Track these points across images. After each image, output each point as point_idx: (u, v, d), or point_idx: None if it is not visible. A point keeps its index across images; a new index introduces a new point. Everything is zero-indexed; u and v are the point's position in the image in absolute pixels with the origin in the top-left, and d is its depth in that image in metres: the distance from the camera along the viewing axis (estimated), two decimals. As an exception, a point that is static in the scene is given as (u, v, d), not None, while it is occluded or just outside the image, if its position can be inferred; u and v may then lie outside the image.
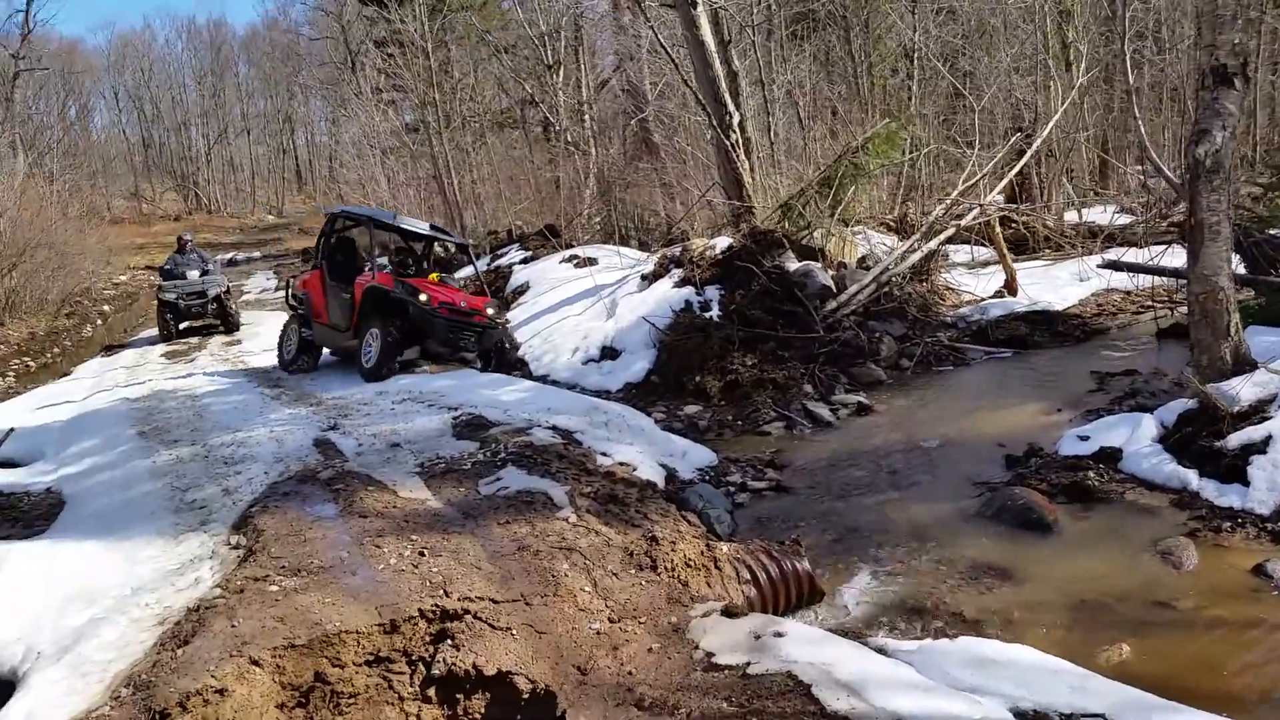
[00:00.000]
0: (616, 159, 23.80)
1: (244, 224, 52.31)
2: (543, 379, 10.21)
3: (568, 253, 16.26)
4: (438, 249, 11.77)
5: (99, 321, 21.52)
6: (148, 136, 60.54)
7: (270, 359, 12.06)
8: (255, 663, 3.50)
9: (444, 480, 5.75)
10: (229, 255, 35.37)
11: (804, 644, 3.62)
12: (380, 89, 34.94)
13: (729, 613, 4.01)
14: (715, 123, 11.91)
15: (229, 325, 16.17)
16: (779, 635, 3.69)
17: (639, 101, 21.68)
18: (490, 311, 10.32)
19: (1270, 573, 4.53)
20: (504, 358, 10.57)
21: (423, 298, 9.56)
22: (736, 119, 11.83)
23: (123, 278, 29.49)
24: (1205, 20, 6.11)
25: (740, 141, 11.89)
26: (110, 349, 15.88)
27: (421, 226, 11.13)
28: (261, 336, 14.64)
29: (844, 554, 5.39)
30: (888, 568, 5.14)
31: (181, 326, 15.91)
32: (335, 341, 10.64)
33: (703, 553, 4.60)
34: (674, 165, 18.43)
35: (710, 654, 3.70)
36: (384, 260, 11.38)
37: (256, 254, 40.72)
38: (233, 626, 3.70)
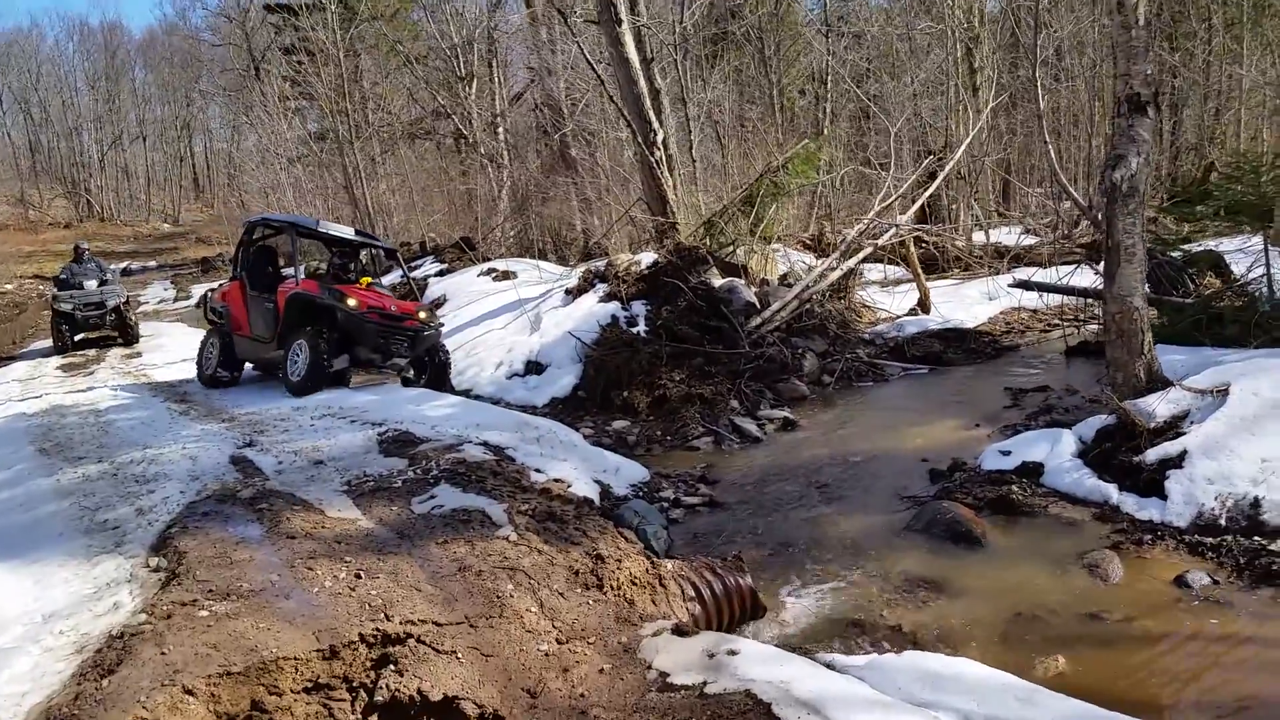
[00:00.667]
0: (533, 173, 23.68)
1: (139, 232, 50.29)
2: (465, 393, 10.04)
3: (485, 265, 16.09)
4: (363, 256, 11.09)
5: (-17, 332, 20.35)
6: (35, 140, 57.71)
7: (175, 373, 11.60)
8: (189, 692, 3.31)
9: (374, 499, 5.57)
10: (124, 264, 33.92)
11: (759, 662, 3.61)
12: (287, 96, 34.12)
13: (680, 631, 3.98)
14: (640, 139, 11.95)
15: (128, 337, 15.49)
16: (733, 654, 3.68)
17: (556, 116, 21.63)
18: (423, 315, 9.82)
19: (1191, 583, 4.73)
20: (439, 367, 9.95)
21: (351, 303, 9.15)
22: (660, 136, 11.90)
23: (9, 286, 28.02)
24: (1120, 50, 6.39)
25: (664, 158, 11.97)
26: (-1, 360, 15.04)
27: (346, 232, 10.61)
28: (163, 349, 14.08)
29: (781, 569, 5.42)
30: (825, 582, 5.18)
31: (77, 338, 15.18)
32: (259, 354, 10.15)
33: (648, 570, 4.56)
34: (593, 180, 18.44)
35: (664, 674, 3.66)
36: (308, 268, 10.99)
37: (153, 263, 39.18)
38: (162, 654, 3.50)
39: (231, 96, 48.70)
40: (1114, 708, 3.44)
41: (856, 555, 5.52)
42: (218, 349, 10.42)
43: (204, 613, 3.85)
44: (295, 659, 3.58)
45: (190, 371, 11.17)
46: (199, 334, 16.67)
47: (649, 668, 3.75)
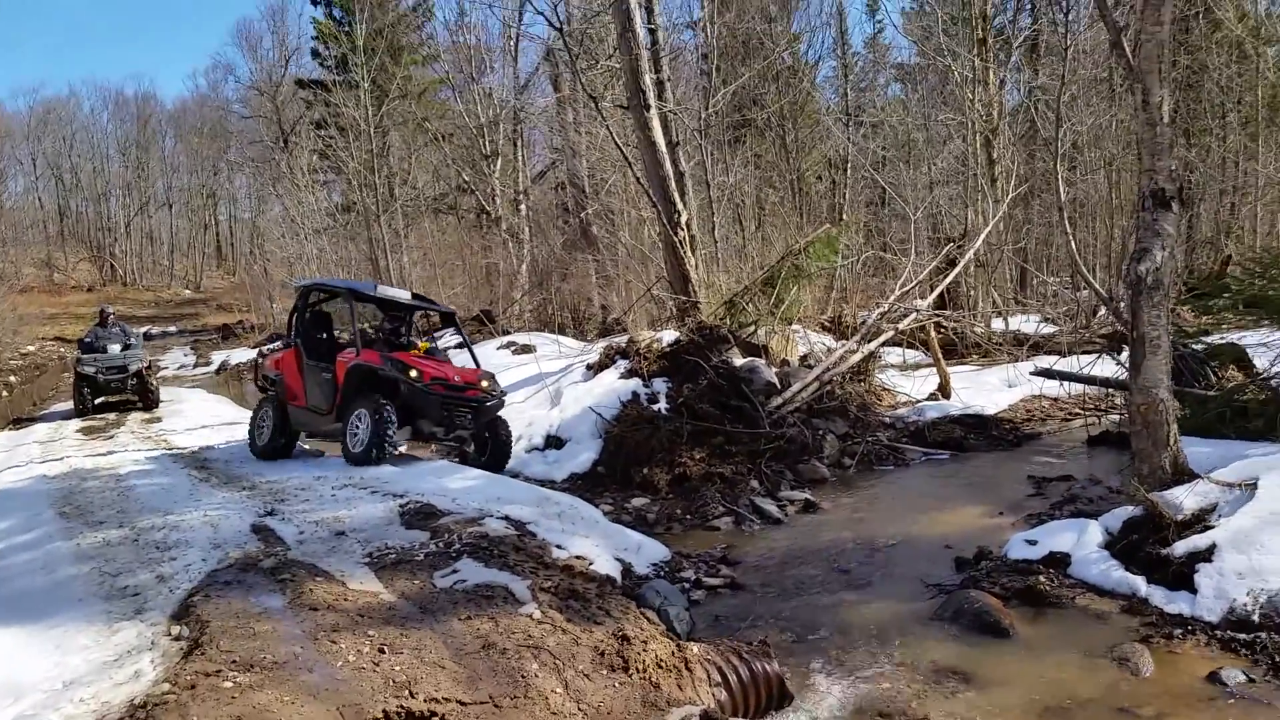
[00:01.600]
0: (554, 249, 24.05)
1: (160, 298, 51.14)
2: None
3: (505, 339, 16.24)
4: (418, 320, 11.10)
5: (4, 393, 20.52)
6: (64, 205, 59.14)
7: (195, 439, 11.65)
8: (213, 767, 3.26)
9: (396, 572, 5.55)
10: (145, 329, 34.36)
11: (789, 752, 3.53)
12: (315, 169, 34.94)
13: (708, 718, 3.91)
14: (664, 219, 12.15)
15: (148, 402, 15.60)
16: (763, 742, 3.60)
17: (579, 195, 22.05)
18: (484, 384, 9.41)
19: (1225, 680, 4.62)
20: (500, 443, 9.48)
21: (413, 374, 8.86)
22: (684, 217, 12.09)
23: (31, 348, 28.37)
24: (1145, 146, 6.50)
25: (687, 239, 12.14)
26: (19, 421, 15.16)
27: (403, 295, 10.31)
28: (183, 415, 14.16)
29: (806, 655, 5.33)
30: (851, 670, 5.09)
31: (98, 401, 15.30)
32: (315, 426, 9.88)
33: (674, 653, 4.50)
34: (613, 258, 18.70)
35: (693, 761, 3.59)
36: (366, 335, 10.61)
37: (173, 328, 39.74)
38: (186, 726, 3.46)
39: (259, 167, 49.89)
40: (1154, 810, 3.35)
41: (882, 643, 5.43)
42: (271, 419, 10.07)
43: (228, 684, 3.82)
44: (319, 734, 3.54)
45: (211, 438, 11.23)
46: (218, 400, 16.94)
47: (677, 754, 3.67)
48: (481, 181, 28.00)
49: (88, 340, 15.65)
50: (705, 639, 5.13)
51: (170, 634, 4.59)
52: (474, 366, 10.03)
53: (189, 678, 3.88)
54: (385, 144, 30.07)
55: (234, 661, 4.07)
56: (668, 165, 12.14)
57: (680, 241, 12.06)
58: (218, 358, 28.51)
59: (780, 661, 4.99)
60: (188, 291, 55.13)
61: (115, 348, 15.40)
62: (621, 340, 11.64)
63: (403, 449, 9.19)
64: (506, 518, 6.79)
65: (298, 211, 32.53)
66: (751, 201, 21.45)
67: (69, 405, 15.74)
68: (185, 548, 6.08)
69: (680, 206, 12.18)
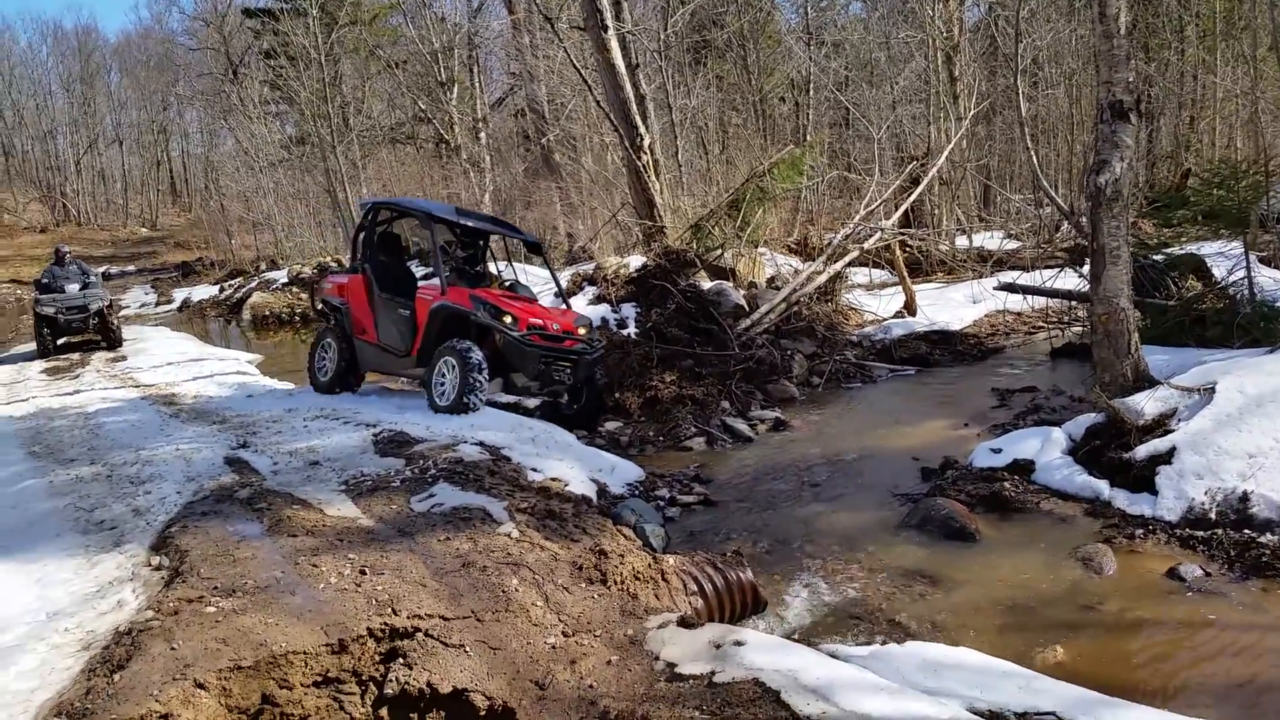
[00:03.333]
0: (516, 177, 23.74)
1: (116, 237, 49.97)
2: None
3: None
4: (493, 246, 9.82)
5: (-42, 337, 20.14)
6: (9, 144, 57.15)
7: (161, 376, 11.51)
8: (200, 685, 3.32)
9: (373, 497, 5.59)
10: (103, 269, 33.65)
11: (765, 652, 3.65)
12: (267, 100, 34.03)
13: (685, 623, 4.02)
14: (626, 144, 12.02)
15: (111, 341, 15.34)
16: (739, 644, 3.72)
17: (539, 122, 21.71)
18: (582, 332, 8.40)
19: (1184, 576, 4.82)
20: (595, 394, 8.65)
21: (508, 319, 7.86)
22: (647, 140, 11.97)
23: (-17, 291, 27.67)
24: (1102, 59, 6.51)
25: (650, 163, 12.03)
26: (-22, 366, 14.85)
27: (486, 221, 9.35)
28: (148, 352, 13.97)
29: (778, 564, 5.47)
30: (823, 577, 5.23)
31: (60, 342, 15.03)
32: (389, 366, 9.01)
33: (650, 565, 4.60)
34: (576, 185, 18.51)
35: (672, 664, 3.70)
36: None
37: (131, 268, 38.96)
38: (172, 649, 3.50)
39: (209, 100, 48.44)
40: (1112, 694, 3.51)
41: (853, 551, 5.58)
42: (336, 353, 9.15)
43: (211, 609, 3.86)
44: (304, 653, 3.60)
45: (178, 375, 11.09)
46: (182, 337, 16.70)
47: (656, 659, 3.78)
48: (438, 110, 27.45)
49: (44, 281, 15.29)
50: (681, 552, 5.24)
51: (150, 564, 4.61)
52: (563, 307, 9.15)
53: (172, 604, 3.92)
54: (337, 73, 29.31)
55: (216, 587, 4.11)
56: (628, 88, 11.96)
57: (644, 166, 11.96)
58: (179, 295, 28.01)
59: (754, 571, 5.12)
60: (144, 230, 53.82)
61: (74, 287, 15.08)
62: (588, 267, 11.62)
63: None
64: (481, 443, 6.83)
65: (251, 145, 31.76)
66: (714, 124, 21.24)
67: (31, 347, 15.46)
68: (159, 481, 6.07)
69: (643, 130, 12.05)
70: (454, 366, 7.72)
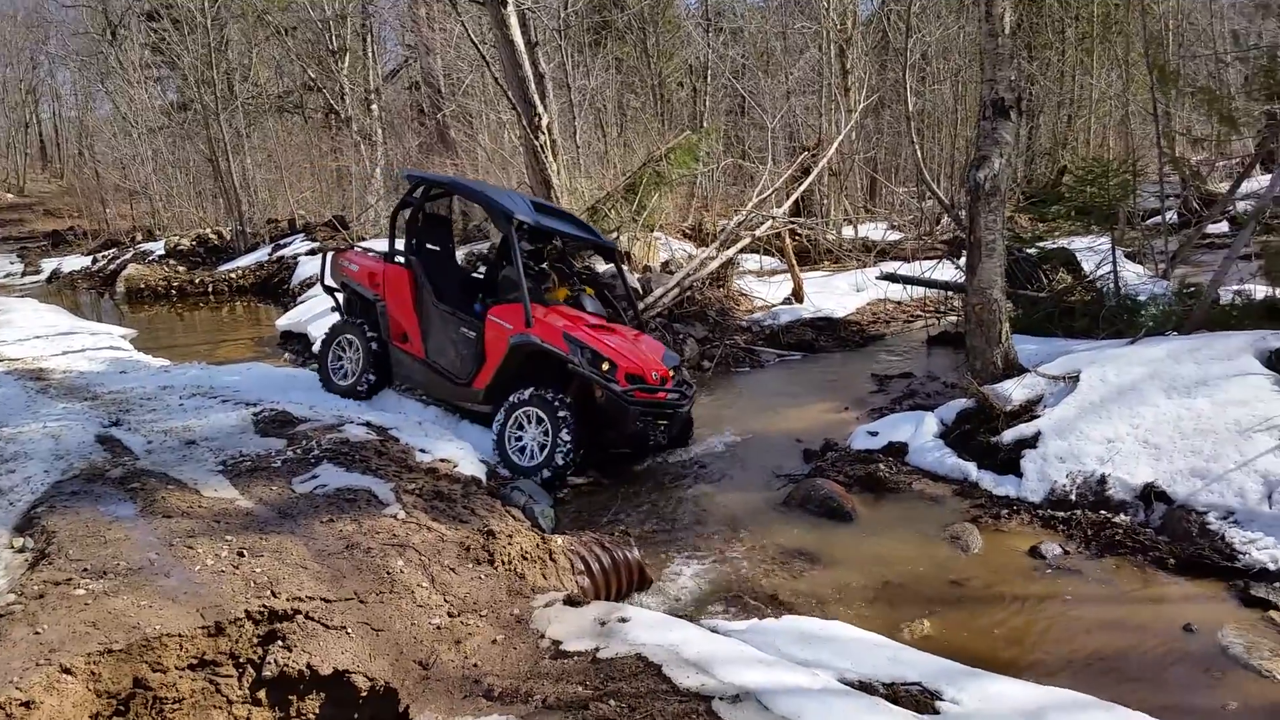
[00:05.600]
0: (410, 152, 23.25)
1: (-22, 203, 46.79)
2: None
3: (361, 246, 15.70)
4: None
5: None
6: None
7: (28, 349, 10.89)
8: (67, 670, 3.20)
9: (253, 479, 5.44)
10: (-40, 237, 31.61)
11: (648, 628, 3.74)
12: (148, 64, 32.38)
13: (571, 602, 4.08)
14: (524, 122, 11.91)
15: (-31, 313, 14.43)
16: (624, 621, 3.80)
17: (435, 96, 21.30)
18: (674, 375, 7.20)
19: (1044, 553, 5.13)
20: (685, 436, 7.59)
21: (605, 366, 6.60)
22: (545, 120, 11.89)
23: None
24: (987, 57, 6.80)
25: (548, 143, 11.96)
26: None
27: (565, 223, 7.81)
28: (14, 325, 13.16)
29: (665, 544, 5.59)
30: (707, 555, 5.37)
31: (-90, 314, 14.07)
32: (440, 392, 7.49)
33: (538, 545, 4.64)
34: (473, 162, 18.27)
35: (557, 642, 3.75)
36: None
37: (-6, 236, 36.60)
38: (36, 634, 3.36)
39: (85, 61, 45.72)
40: (975, 665, 3.74)
41: (736, 530, 5.74)
42: (363, 356, 7.75)
43: (80, 591, 3.72)
44: (179, 636, 3.50)
45: (45, 349, 10.51)
46: (51, 309, 15.80)
47: (542, 637, 3.83)
48: (329, 79, 26.61)
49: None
50: (570, 532, 5.29)
51: (13, 547, 4.39)
52: (653, 341, 7.70)
53: (37, 587, 3.75)
54: (224, 37, 28.08)
55: (85, 569, 3.95)
56: (527, 66, 11.85)
57: (541, 146, 11.88)
58: (48, 266, 26.44)
59: (641, 550, 5.22)
60: (10, 195, 50.47)
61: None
62: (483, 246, 11.49)
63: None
64: (368, 424, 6.73)
65: (129, 110, 30.16)
66: (613, 106, 21.23)
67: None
68: (25, 460, 5.76)
69: (540, 109, 11.95)
70: (540, 421, 6.56)
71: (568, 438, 6.39)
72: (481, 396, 7.07)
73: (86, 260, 26.01)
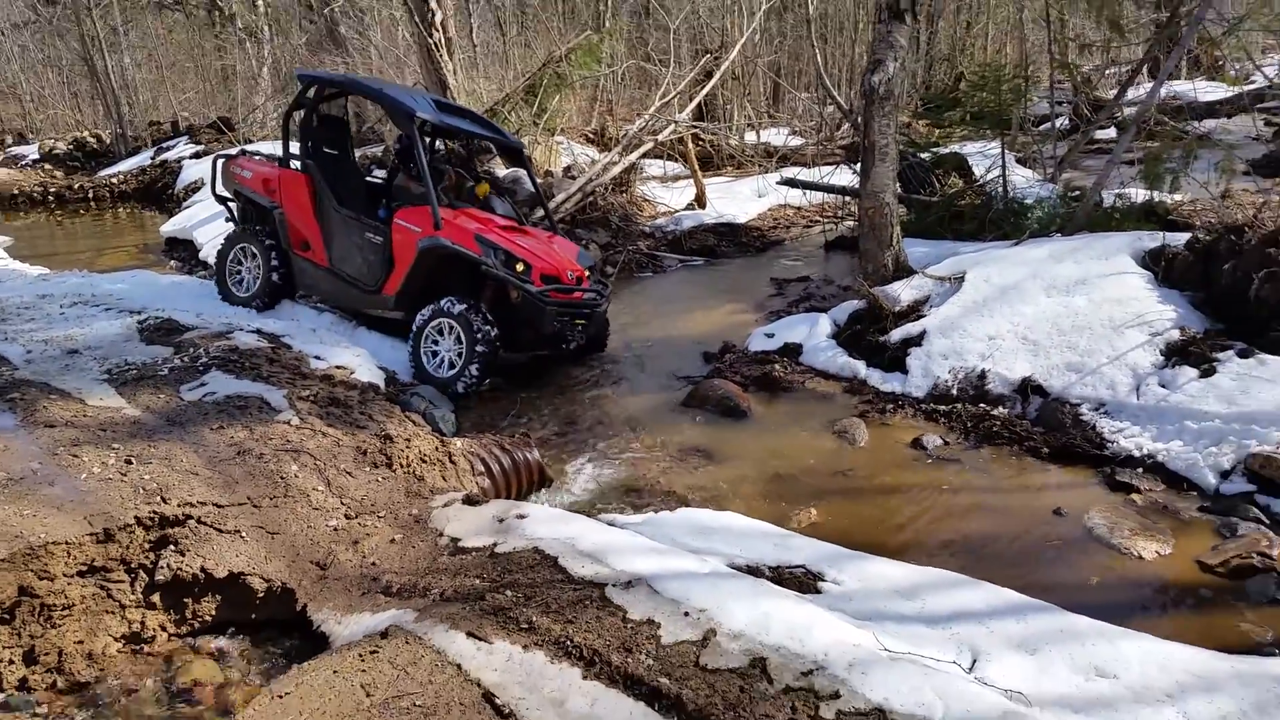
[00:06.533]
0: (298, 50, 22.11)
1: None
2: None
3: (249, 149, 15.03)
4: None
5: None
6: None
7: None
8: (-55, 583, 3.12)
9: (139, 387, 5.28)
10: None
11: (545, 523, 3.82)
12: (3, -52, 29.77)
13: (470, 501, 4.12)
14: (418, 19, 11.44)
15: None
16: (521, 517, 3.87)
17: (324, -10, 20.19)
18: (588, 275, 7.12)
19: (925, 445, 5.39)
20: (602, 338, 7.57)
21: (519, 267, 6.47)
22: (439, 17, 11.43)
23: None
24: (880, -41, 6.78)
25: (443, 41, 11.53)
26: None
27: (467, 121, 7.46)
28: None
29: (567, 445, 5.67)
30: (607, 455, 5.48)
31: None
32: (348, 300, 7.30)
33: (437, 448, 4.65)
34: (364, 61, 17.52)
35: (456, 539, 3.81)
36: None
37: None
38: (-91, 547, 3.26)
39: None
40: (858, 549, 3.93)
41: (635, 430, 5.85)
42: (263, 266, 7.48)
43: (-45, 503, 3.59)
44: (66, 543, 3.43)
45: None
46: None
47: (440, 535, 3.88)
48: (210, -29, 25.01)
49: None
50: (472, 436, 5.32)
51: (-122, 461, 4.20)
52: (566, 242, 7.60)
53: (-93, 501, 3.61)
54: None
55: (-39, 481, 3.82)
56: (419, -42, 11.34)
57: (436, 44, 11.45)
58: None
59: (543, 451, 5.30)
60: None
61: None
62: (377, 149, 11.12)
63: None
64: (259, 331, 6.56)
65: (-14, 0, 27.85)
66: (512, 3, 20.51)
67: None
68: (-114, 374, 5.47)
69: (435, 5, 11.47)
70: (452, 331, 6.48)
71: (483, 349, 6.32)
72: (393, 303, 6.92)
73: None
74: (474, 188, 7.58)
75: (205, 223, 11.52)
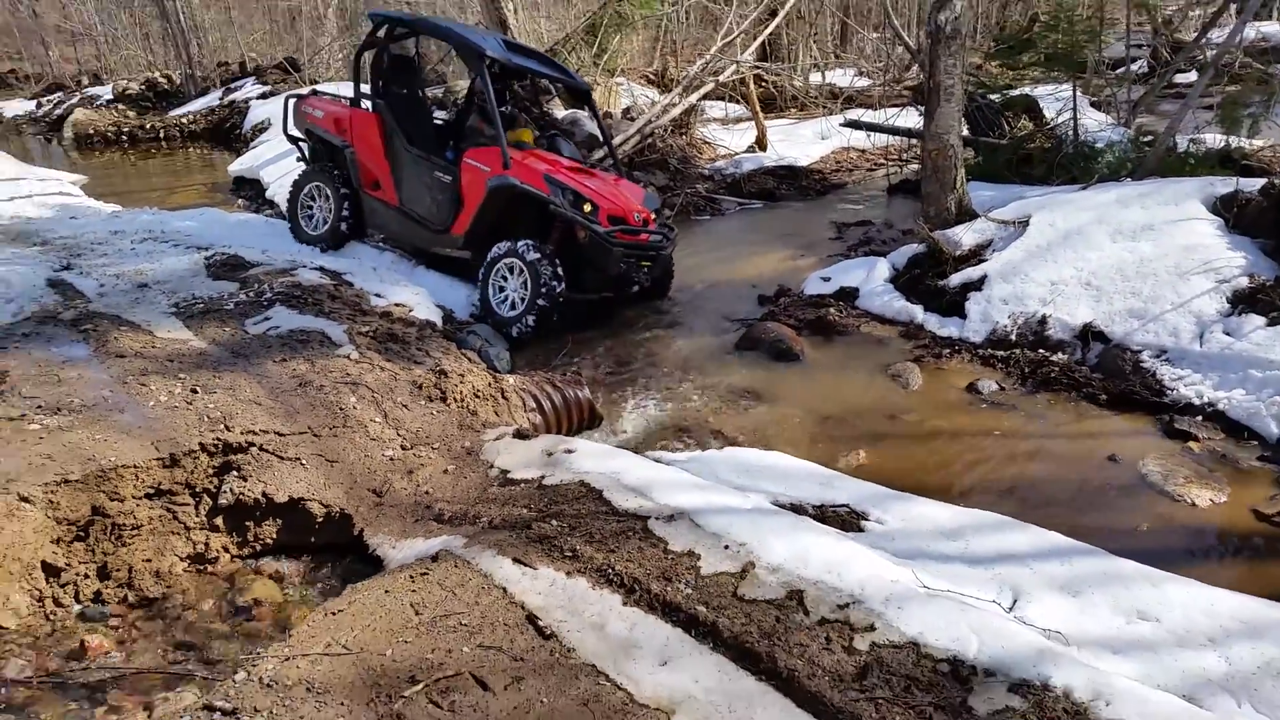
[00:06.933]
0: (364, -9, 22.17)
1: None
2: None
3: (313, 89, 15.19)
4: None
5: None
6: None
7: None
8: (25, 499, 3.30)
9: (205, 320, 5.46)
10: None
11: (592, 458, 3.89)
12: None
13: (520, 435, 4.21)
14: (478, -43, 11.38)
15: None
16: (569, 451, 3.94)
17: (388, -71, 20.13)
18: (655, 217, 7.07)
19: (980, 389, 5.33)
20: (666, 282, 7.55)
21: (587, 207, 6.46)
22: (501, -44, 11.37)
23: None
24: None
25: (504, -20, 11.47)
26: None
27: (535, 61, 7.38)
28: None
29: (617, 385, 5.73)
30: (658, 395, 5.53)
31: None
32: (417, 240, 7.33)
33: (490, 384, 4.74)
34: (427, 1, 17.51)
35: (505, 471, 3.90)
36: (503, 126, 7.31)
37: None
38: (-8, 466, 3.45)
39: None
40: (905, 490, 3.93)
41: (687, 371, 5.88)
42: (334, 205, 7.53)
43: (34, 426, 3.78)
44: (135, 467, 3.60)
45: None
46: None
47: (491, 467, 3.98)
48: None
49: None
50: (525, 374, 5.40)
51: (-36, 386, 4.43)
52: (632, 185, 7.49)
53: (-10, 423, 3.82)
54: None
55: (40, 406, 4.01)
56: (481, -105, 11.24)
57: (497, -17, 11.41)
58: (-16, 114, 25.43)
59: (594, 390, 5.36)
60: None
61: None
62: (438, 90, 11.16)
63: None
64: (321, 268, 6.71)
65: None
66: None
67: None
68: (-27, 305, 5.73)
69: (495, -57, 11.42)
70: (521, 274, 6.46)
71: (544, 303, 6.32)
72: (461, 243, 6.96)
73: (31, 105, 24.96)
74: (554, 134, 7.58)
75: (272, 162, 11.73)
